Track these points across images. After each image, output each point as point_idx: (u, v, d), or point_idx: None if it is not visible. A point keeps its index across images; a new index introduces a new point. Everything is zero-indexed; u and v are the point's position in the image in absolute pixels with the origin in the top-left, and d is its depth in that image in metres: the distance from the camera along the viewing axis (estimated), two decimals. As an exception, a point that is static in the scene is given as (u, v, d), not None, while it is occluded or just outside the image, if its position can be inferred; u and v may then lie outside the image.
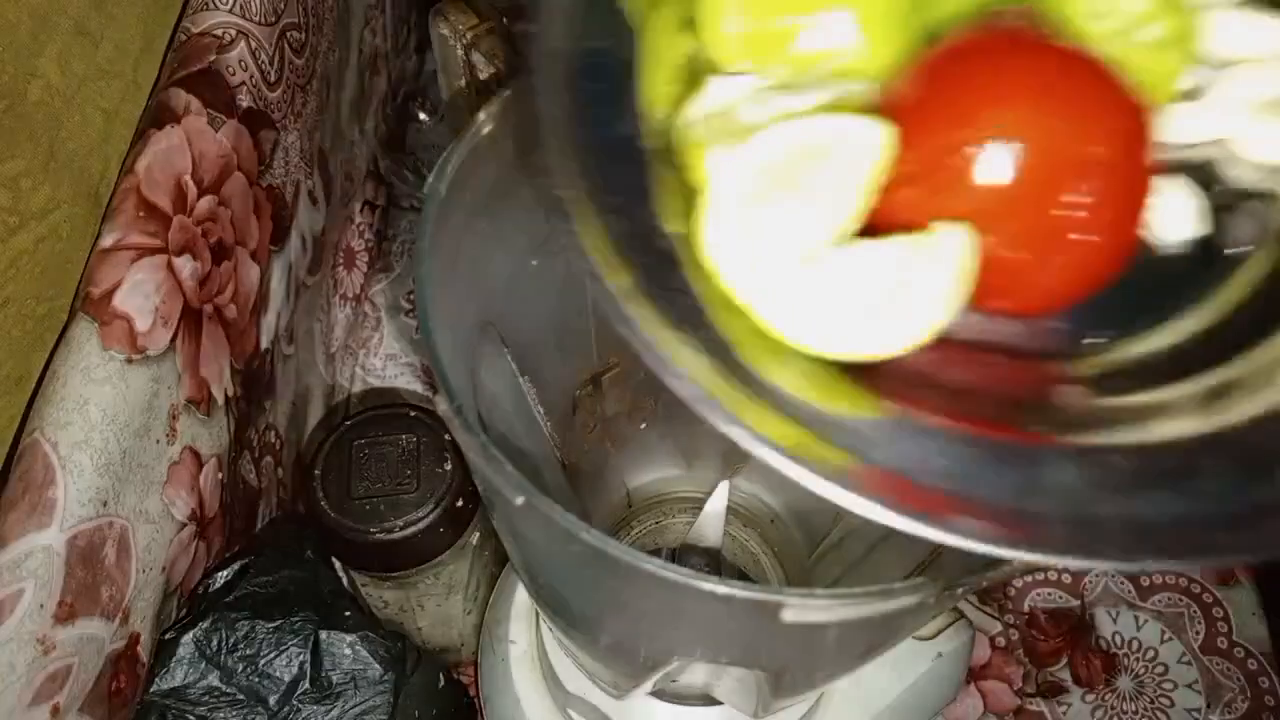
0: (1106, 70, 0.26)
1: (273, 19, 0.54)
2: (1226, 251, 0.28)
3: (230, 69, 0.50)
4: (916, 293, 0.25)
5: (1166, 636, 0.70)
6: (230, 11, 0.50)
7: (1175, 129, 0.28)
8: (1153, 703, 0.68)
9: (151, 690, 0.43)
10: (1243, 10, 0.28)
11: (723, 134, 0.27)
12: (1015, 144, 0.25)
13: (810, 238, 0.26)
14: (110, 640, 0.41)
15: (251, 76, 0.52)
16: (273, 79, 0.54)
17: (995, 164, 0.25)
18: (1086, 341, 0.28)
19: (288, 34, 0.56)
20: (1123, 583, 0.72)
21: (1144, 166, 0.26)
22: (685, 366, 0.24)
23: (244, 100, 0.51)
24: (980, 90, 0.26)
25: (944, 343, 0.27)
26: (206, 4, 0.50)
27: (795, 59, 0.28)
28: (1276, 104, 0.27)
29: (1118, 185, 0.26)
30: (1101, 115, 0.26)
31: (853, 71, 0.28)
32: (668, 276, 0.26)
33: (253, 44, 0.52)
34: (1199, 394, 0.26)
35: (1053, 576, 0.72)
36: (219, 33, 0.49)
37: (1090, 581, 0.72)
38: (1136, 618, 0.70)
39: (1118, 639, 0.70)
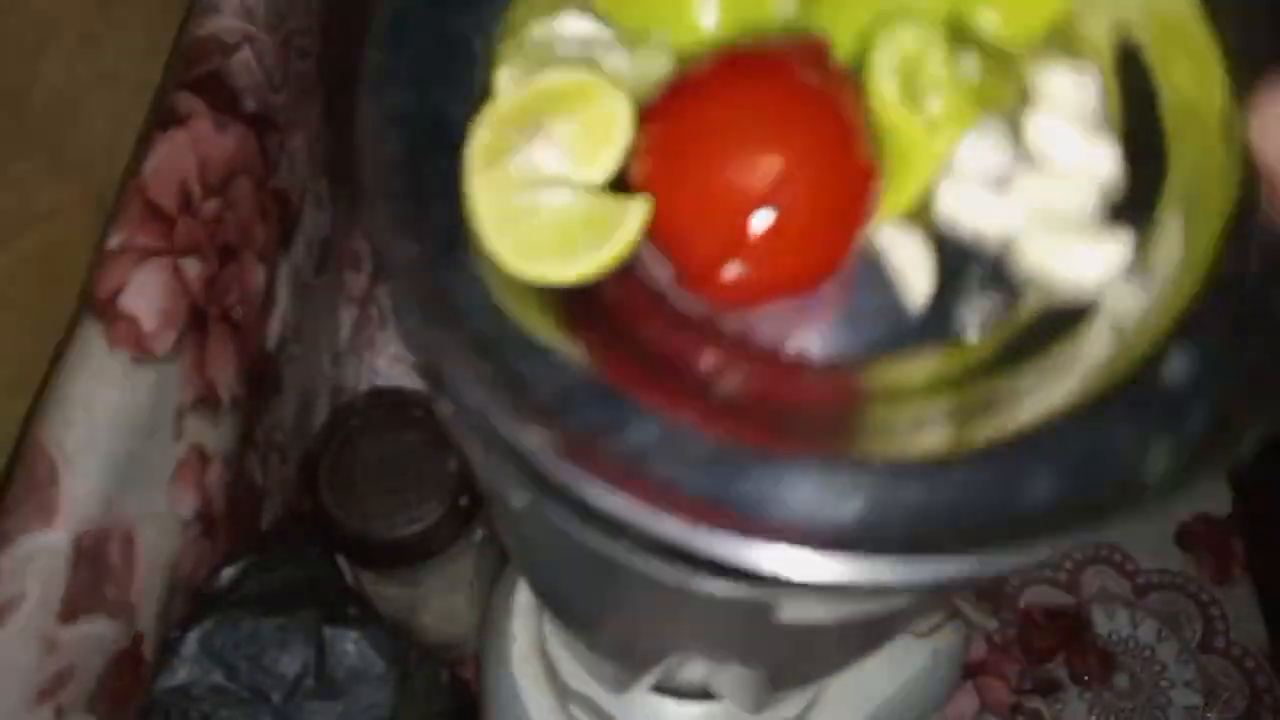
0: (848, 126, 0.27)
1: (278, 23, 0.54)
2: (970, 331, 0.29)
3: (236, 72, 0.50)
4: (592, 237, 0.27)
5: (1164, 635, 0.70)
6: (236, 16, 0.51)
7: (967, 210, 0.28)
8: (1150, 701, 0.68)
9: (156, 688, 0.44)
10: (1063, 119, 0.28)
11: (529, 59, 0.28)
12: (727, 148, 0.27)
13: (542, 175, 0.27)
14: (114, 639, 0.41)
15: (257, 80, 0.52)
16: (278, 82, 0.55)
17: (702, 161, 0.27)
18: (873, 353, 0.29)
19: (293, 38, 0.57)
20: (1119, 581, 0.72)
21: (847, 210, 0.27)
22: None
23: (249, 103, 0.51)
24: (717, 98, 0.27)
25: (738, 348, 0.28)
26: (212, 8, 0.50)
27: (643, 21, 0.29)
28: (1056, 217, 0.28)
29: (808, 215, 0.27)
30: (822, 158, 0.27)
31: (685, 45, 0.29)
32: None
33: (258, 48, 0.52)
34: (948, 411, 0.27)
35: (1048, 574, 0.72)
36: (224, 37, 0.50)
37: (1086, 580, 0.72)
38: (1133, 616, 0.71)
39: (1114, 637, 0.70)
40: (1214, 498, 0.75)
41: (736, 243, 0.27)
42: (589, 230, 0.27)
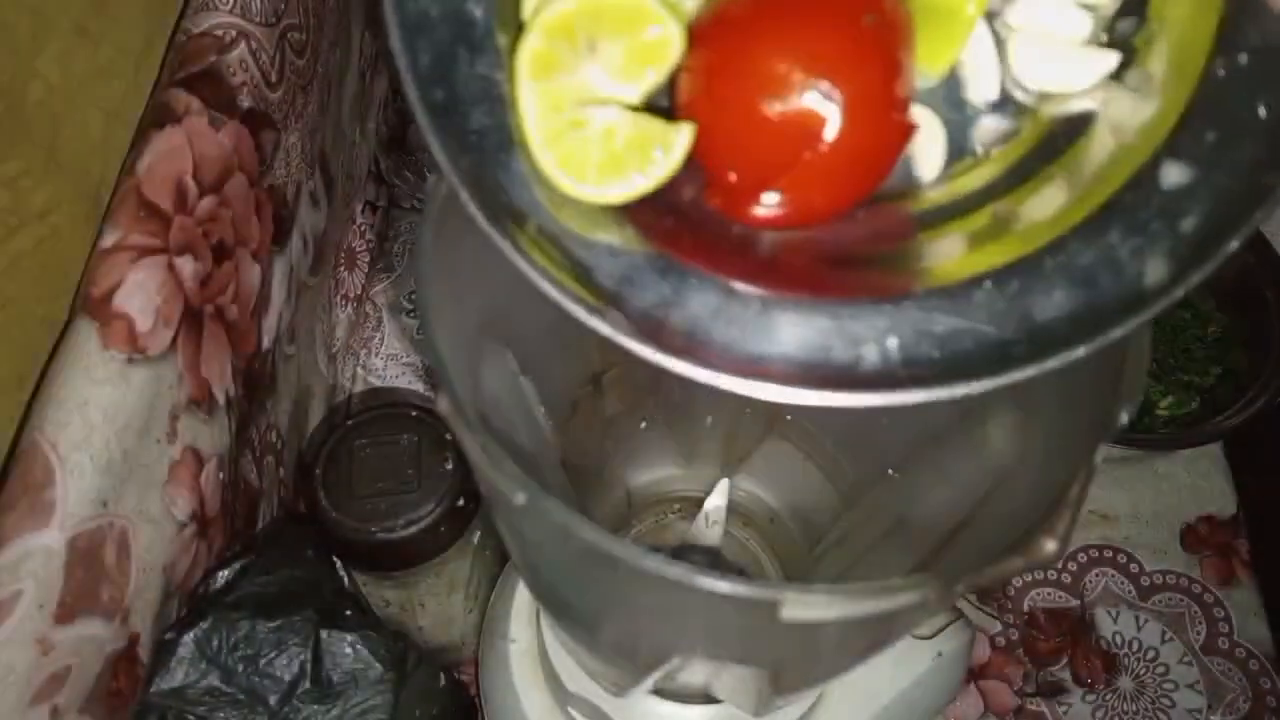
0: (896, 70, 0.28)
1: (273, 20, 0.54)
2: (978, 148, 0.31)
3: (231, 69, 0.50)
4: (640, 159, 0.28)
5: (1167, 636, 0.70)
6: (231, 12, 0.50)
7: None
8: (1154, 703, 0.68)
9: (152, 690, 0.43)
10: None
11: None
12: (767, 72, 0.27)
13: (590, 91, 0.28)
14: (110, 640, 0.41)
15: (252, 77, 0.52)
16: (274, 79, 0.54)
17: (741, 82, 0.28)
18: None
19: (288, 34, 0.56)
20: (1123, 582, 0.72)
21: (890, 99, 0.28)
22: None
23: (245, 101, 0.51)
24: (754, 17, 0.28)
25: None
26: (207, 4, 0.50)
27: None
28: (1042, 33, 0.29)
29: (854, 125, 0.27)
30: (854, 65, 0.27)
31: None
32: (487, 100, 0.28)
33: (253, 44, 0.52)
34: (968, 235, 0.29)
35: (1052, 576, 0.72)
36: (220, 33, 0.49)
37: (1090, 581, 0.72)
38: (1137, 618, 0.70)
39: (1118, 639, 0.70)
40: (1218, 499, 0.75)
41: (774, 173, 0.28)
42: (634, 151, 0.28)
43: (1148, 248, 0.26)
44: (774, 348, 0.26)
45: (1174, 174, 0.26)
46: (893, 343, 0.26)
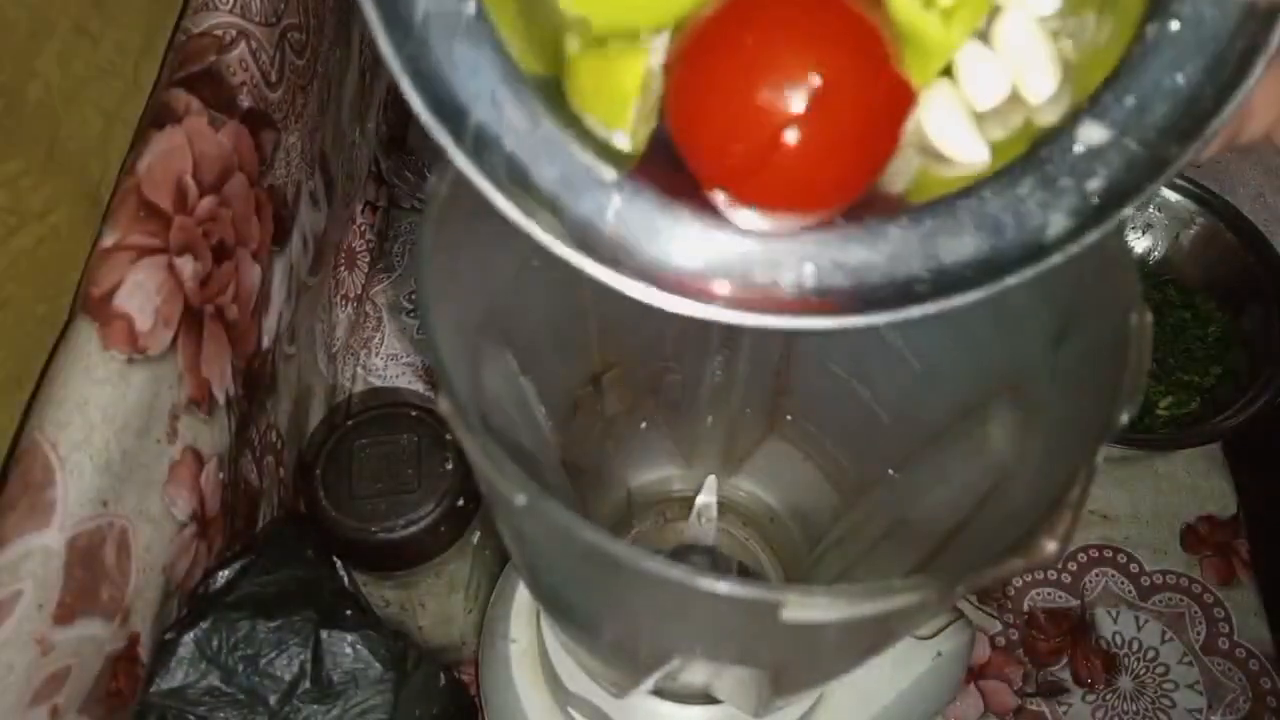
0: (881, 42, 0.27)
1: (273, 19, 0.54)
2: None
3: (231, 69, 0.50)
4: None
5: (1167, 636, 0.70)
6: (231, 12, 0.50)
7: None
8: (1154, 703, 0.68)
9: (152, 690, 0.43)
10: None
11: None
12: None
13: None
14: (110, 641, 0.41)
15: (252, 77, 0.52)
16: (274, 79, 0.54)
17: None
18: None
19: (289, 34, 0.56)
20: (1123, 582, 0.72)
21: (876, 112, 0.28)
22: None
23: (245, 100, 0.51)
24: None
25: None
26: (207, 4, 0.50)
27: None
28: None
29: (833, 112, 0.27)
30: (857, 77, 0.27)
31: None
32: None
33: (253, 44, 0.52)
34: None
35: (1052, 576, 0.72)
36: (220, 33, 0.49)
37: (1090, 581, 0.72)
38: (1137, 618, 0.70)
39: (1118, 639, 0.70)
40: (1218, 499, 0.75)
41: (764, 158, 0.27)
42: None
43: (1054, 203, 0.27)
44: (697, 264, 0.27)
45: (1092, 133, 0.27)
46: (809, 269, 0.27)
